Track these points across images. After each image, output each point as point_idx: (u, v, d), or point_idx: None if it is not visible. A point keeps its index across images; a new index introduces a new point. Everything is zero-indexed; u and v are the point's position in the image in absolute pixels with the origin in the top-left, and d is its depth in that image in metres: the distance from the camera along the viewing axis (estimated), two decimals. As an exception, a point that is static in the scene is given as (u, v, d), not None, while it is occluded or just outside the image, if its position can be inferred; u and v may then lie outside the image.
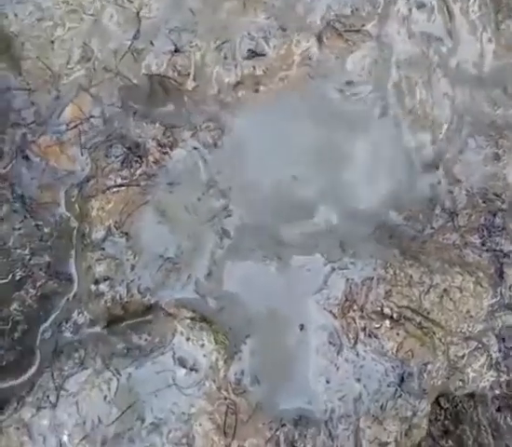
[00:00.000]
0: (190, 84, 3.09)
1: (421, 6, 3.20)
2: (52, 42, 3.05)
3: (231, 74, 3.10)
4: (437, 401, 3.02)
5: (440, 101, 3.27)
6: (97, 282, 3.02)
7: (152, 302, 3.03)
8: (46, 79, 3.06)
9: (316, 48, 3.13)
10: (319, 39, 3.13)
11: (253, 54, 3.04)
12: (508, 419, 3.07)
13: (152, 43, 3.07)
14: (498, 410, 3.07)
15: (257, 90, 3.10)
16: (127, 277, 3.04)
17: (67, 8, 3.10)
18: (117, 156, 3.04)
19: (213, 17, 3.05)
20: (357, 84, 3.18)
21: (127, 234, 3.03)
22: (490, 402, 3.05)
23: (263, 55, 3.06)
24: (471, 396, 3.02)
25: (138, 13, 3.10)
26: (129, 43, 3.04)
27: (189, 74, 3.08)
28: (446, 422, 3.07)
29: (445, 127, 3.26)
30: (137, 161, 3.06)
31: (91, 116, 3.09)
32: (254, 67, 3.12)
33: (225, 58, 3.09)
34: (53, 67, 3.05)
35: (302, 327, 2.94)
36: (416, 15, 3.23)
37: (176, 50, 3.06)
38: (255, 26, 3.08)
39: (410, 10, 3.19)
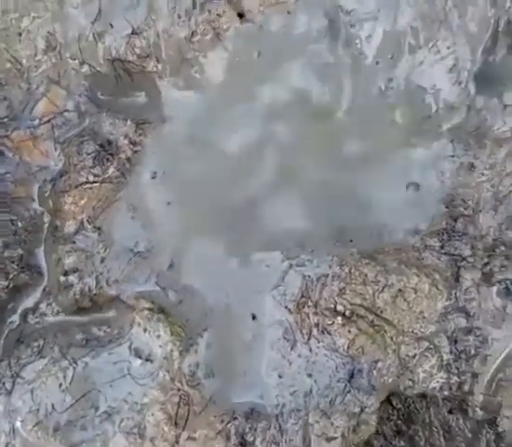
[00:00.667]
0: (152, 65, 3.12)
1: None
2: (20, 34, 3.10)
3: (185, 28, 3.08)
4: (389, 401, 3.04)
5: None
6: (66, 273, 3.07)
7: (115, 295, 3.07)
8: (15, 72, 3.10)
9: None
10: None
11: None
12: (460, 421, 3.09)
13: (111, 25, 3.08)
14: (450, 412, 3.09)
15: (218, 37, 3.06)
16: (96, 269, 3.08)
17: (32, -3, 3.05)
18: (89, 153, 3.10)
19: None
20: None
21: (99, 228, 3.08)
22: (441, 404, 3.07)
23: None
24: (423, 397, 3.05)
25: None
26: (91, 26, 3.05)
27: (149, 56, 3.10)
28: (398, 422, 3.10)
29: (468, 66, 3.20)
30: (108, 159, 3.11)
31: (65, 110, 3.13)
32: (209, 11, 3.08)
33: (179, 17, 3.07)
34: (21, 59, 3.10)
35: (254, 317, 2.98)
36: None
37: (133, 32, 3.07)
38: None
39: None
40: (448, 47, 3.22)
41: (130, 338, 2.98)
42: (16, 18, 3.11)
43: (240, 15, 3.08)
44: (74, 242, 3.09)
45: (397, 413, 3.07)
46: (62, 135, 3.15)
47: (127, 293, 3.06)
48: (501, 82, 3.37)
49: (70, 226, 3.09)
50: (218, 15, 3.09)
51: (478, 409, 3.06)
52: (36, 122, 3.17)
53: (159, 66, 3.15)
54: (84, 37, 3.08)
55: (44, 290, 3.08)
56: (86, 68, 3.12)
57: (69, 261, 3.06)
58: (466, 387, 3.05)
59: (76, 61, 3.13)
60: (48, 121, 3.16)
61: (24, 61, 3.11)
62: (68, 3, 3.08)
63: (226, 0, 3.10)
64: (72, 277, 3.04)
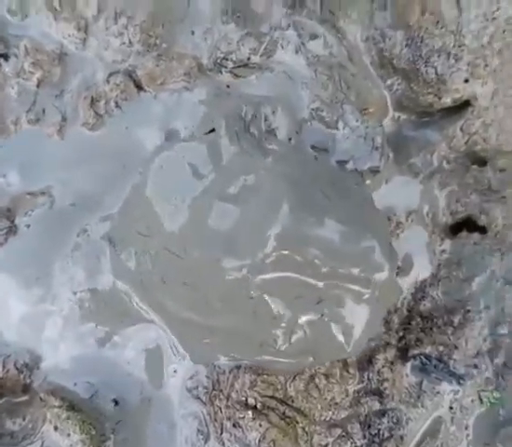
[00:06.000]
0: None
1: (314, 38, 3.12)
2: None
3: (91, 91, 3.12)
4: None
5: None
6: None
7: (27, 381, 2.91)
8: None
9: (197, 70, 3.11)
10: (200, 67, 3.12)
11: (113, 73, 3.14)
12: None
13: (43, 111, 3.11)
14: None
15: (117, 105, 3.12)
16: (3, 351, 2.91)
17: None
18: (1, 230, 2.95)
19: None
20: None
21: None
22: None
23: (117, 72, 3.12)
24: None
25: (38, 84, 3.08)
26: (26, 114, 3.09)
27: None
28: None
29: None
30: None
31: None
32: (108, 81, 3.12)
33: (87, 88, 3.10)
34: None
35: (116, 402, 2.83)
36: (311, 46, 3.15)
37: (63, 119, 3.13)
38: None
39: (302, 43, 3.11)
40: (356, 120, 3.12)
41: (42, 436, 2.81)
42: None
43: (139, 87, 3.16)
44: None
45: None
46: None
47: (38, 382, 2.89)
48: (408, 150, 3.30)
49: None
50: (116, 84, 3.10)
51: (396, 488, 2.96)
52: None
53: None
54: (20, 122, 3.10)
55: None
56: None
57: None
58: (384, 468, 2.95)
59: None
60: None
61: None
62: (7, 91, 3.11)
63: (127, 76, 3.15)
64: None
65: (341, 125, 3.09)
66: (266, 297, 2.49)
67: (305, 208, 2.54)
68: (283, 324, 2.55)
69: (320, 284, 2.51)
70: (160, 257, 2.69)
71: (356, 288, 2.53)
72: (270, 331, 2.53)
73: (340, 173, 3.02)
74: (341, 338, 2.56)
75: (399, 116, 3.29)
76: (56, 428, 2.76)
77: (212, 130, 2.98)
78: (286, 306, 2.55)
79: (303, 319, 2.57)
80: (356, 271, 2.52)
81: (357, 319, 2.61)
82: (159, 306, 2.77)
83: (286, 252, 2.46)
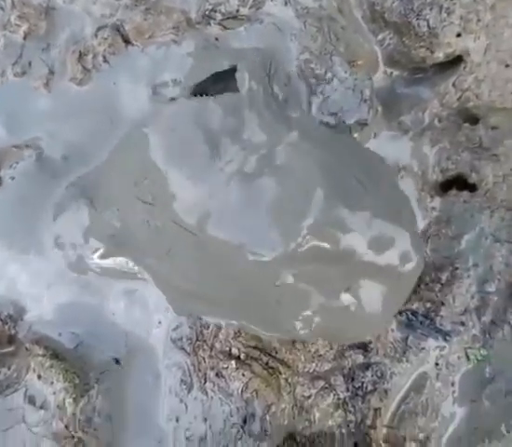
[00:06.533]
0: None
1: None
2: None
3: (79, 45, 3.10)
4: (293, 438, 2.91)
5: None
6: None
7: (12, 332, 2.90)
8: None
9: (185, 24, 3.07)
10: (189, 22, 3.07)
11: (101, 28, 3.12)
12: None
13: (30, 64, 3.07)
14: (355, 445, 2.98)
15: (104, 59, 3.07)
16: None
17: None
18: None
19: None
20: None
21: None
22: (345, 438, 2.95)
23: (105, 26, 3.09)
24: (325, 434, 2.92)
25: (25, 37, 3.04)
26: (12, 67, 3.06)
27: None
28: (303, 458, 2.98)
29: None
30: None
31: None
32: (96, 35, 3.09)
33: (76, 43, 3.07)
34: None
35: (117, 361, 2.79)
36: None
37: (50, 72, 3.09)
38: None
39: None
40: (345, 72, 3.08)
41: (26, 384, 2.80)
42: None
43: (126, 41, 3.13)
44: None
45: (301, 449, 2.94)
46: None
47: (23, 332, 2.87)
48: (399, 107, 3.24)
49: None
50: (104, 38, 3.07)
51: (381, 442, 2.94)
52: None
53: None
54: (6, 75, 3.08)
55: None
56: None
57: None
58: (369, 422, 2.93)
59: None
60: None
61: None
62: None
63: (115, 30, 3.12)
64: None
65: (329, 76, 3.03)
66: (293, 286, 2.39)
67: (340, 195, 2.35)
68: (307, 312, 2.47)
69: (349, 274, 2.42)
70: (168, 230, 2.50)
71: (384, 278, 2.47)
72: (292, 320, 2.47)
73: (371, 156, 2.89)
74: (363, 325, 2.51)
75: (392, 73, 3.22)
76: (39, 377, 2.75)
77: (203, 84, 2.91)
78: (312, 294, 2.45)
79: (328, 307, 2.48)
80: (386, 262, 2.45)
81: (381, 307, 2.54)
82: (154, 272, 2.71)
83: (319, 242, 2.33)
